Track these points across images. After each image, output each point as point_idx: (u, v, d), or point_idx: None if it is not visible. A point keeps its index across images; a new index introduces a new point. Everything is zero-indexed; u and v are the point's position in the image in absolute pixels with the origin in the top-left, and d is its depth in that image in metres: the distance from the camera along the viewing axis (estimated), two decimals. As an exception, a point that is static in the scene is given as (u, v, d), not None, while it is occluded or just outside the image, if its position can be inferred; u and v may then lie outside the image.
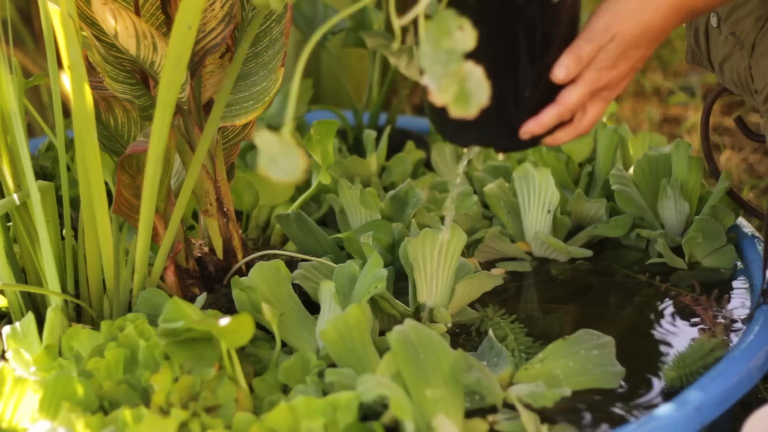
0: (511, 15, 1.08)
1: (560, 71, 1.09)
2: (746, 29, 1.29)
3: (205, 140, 1.25)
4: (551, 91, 1.12)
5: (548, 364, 1.19)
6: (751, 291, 1.36)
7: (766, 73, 1.23)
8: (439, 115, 1.11)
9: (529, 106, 1.12)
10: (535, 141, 1.15)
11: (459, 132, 1.09)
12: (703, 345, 1.20)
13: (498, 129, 1.02)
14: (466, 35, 0.92)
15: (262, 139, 0.93)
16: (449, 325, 1.30)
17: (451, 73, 0.91)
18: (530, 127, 1.12)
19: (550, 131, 1.13)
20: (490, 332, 1.25)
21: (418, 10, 0.96)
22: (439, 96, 0.91)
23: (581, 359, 1.18)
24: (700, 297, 1.34)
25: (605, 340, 1.20)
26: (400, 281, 1.35)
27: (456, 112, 0.92)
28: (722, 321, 1.29)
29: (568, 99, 1.11)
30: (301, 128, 1.86)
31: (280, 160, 0.93)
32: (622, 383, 1.18)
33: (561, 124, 1.13)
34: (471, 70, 0.92)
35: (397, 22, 0.98)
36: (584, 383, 1.17)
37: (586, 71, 1.11)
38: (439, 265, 1.30)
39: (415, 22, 1.00)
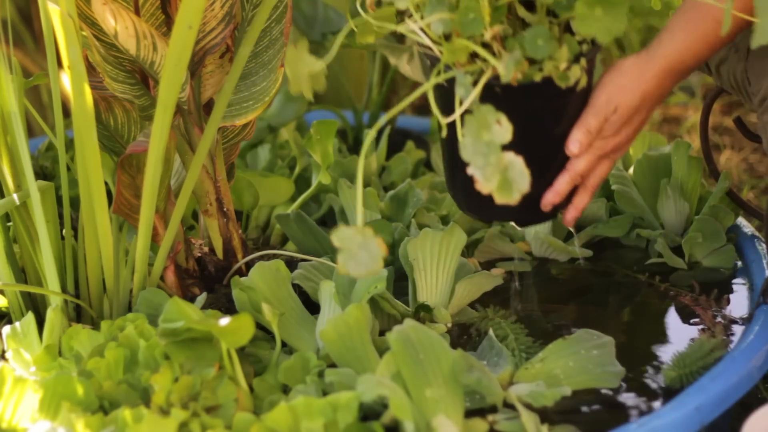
0: (532, 100, 1.14)
1: (574, 146, 1.17)
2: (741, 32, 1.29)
3: (205, 141, 1.25)
4: (563, 162, 1.19)
5: (548, 363, 1.19)
6: (751, 291, 1.36)
7: (761, 75, 1.24)
8: (461, 191, 1.17)
9: (546, 179, 1.19)
10: (554, 213, 1.22)
11: (482, 209, 1.13)
12: (703, 345, 1.20)
13: (520, 205, 1.06)
14: (504, 128, 1.00)
15: (340, 236, 1.00)
16: (449, 325, 1.30)
17: (494, 163, 0.99)
18: (549, 198, 1.20)
19: (568, 198, 1.21)
20: (491, 332, 1.25)
21: (463, 108, 1.03)
22: (484, 185, 0.98)
23: (581, 359, 1.18)
24: (699, 297, 1.34)
25: (605, 340, 1.20)
26: (400, 281, 1.35)
27: (500, 199, 0.99)
28: (722, 321, 1.29)
29: (577, 166, 1.19)
30: (301, 128, 1.86)
31: (359, 253, 0.99)
32: (622, 383, 1.18)
33: (575, 188, 1.21)
34: (512, 160, 1.00)
35: (443, 120, 1.06)
36: (584, 383, 1.17)
37: (596, 140, 1.18)
38: (439, 265, 1.30)
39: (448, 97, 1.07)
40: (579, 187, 1.22)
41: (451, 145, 1.12)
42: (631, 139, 1.21)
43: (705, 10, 1.16)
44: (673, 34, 1.18)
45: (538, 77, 1.11)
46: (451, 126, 1.06)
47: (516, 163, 1.00)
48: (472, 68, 1.10)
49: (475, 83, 1.08)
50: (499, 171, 0.99)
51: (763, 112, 1.22)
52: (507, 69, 1.07)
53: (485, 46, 1.11)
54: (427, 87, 1.08)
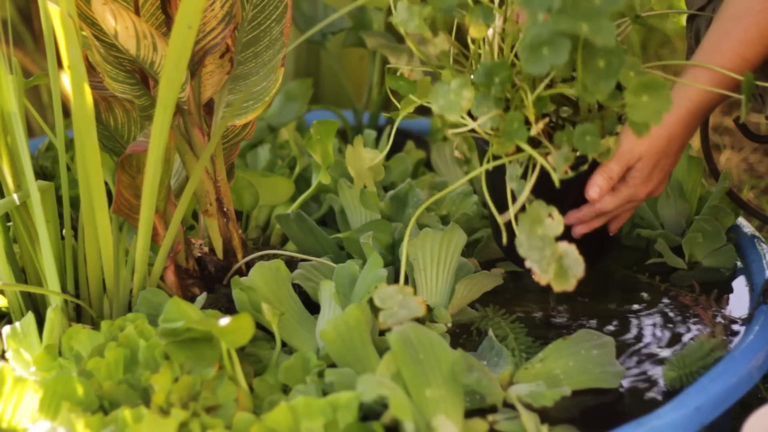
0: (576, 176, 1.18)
1: (593, 191, 1.18)
2: None
3: (210, 146, 1.26)
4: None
5: (548, 363, 1.19)
6: (751, 291, 1.36)
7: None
8: (515, 252, 1.20)
9: (590, 233, 1.24)
10: (598, 261, 1.27)
11: None
12: (703, 345, 1.20)
13: None
14: (556, 221, 1.06)
15: (381, 295, 1.09)
16: (449, 324, 1.30)
17: (549, 256, 1.05)
18: (569, 219, 1.22)
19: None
20: (490, 332, 1.25)
21: (518, 204, 1.09)
22: (542, 278, 1.05)
23: (581, 359, 1.18)
24: (699, 297, 1.34)
25: (605, 340, 1.20)
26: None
27: (557, 287, 1.05)
28: (722, 321, 1.29)
29: (603, 204, 1.20)
30: (301, 128, 1.86)
31: (399, 312, 1.09)
32: (622, 383, 1.18)
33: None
34: (566, 249, 1.06)
35: (500, 219, 1.12)
36: (584, 383, 1.17)
37: (623, 187, 1.19)
38: (439, 265, 1.30)
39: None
40: (612, 220, 1.25)
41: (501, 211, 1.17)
42: (664, 182, 1.21)
43: (730, 49, 1.15)
44: (697, 76, 1.16)
45: (585, 167, 1.15)
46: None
47: (570, 251, 1.06)
48: (521, 156, 1.14)
49: (524, 171, 1.14)
50: (555, 262, 1.05)
51: None
52: (558, 167, 1.11)
53: (532, 138, 1.16)
54: (479, 171, 1.16)
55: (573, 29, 1.01)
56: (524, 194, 1.10)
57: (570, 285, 1.06)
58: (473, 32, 1.13)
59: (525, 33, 1.03)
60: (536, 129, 1.12)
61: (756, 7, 1.14)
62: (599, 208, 1.20)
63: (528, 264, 1.06)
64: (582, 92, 1.09)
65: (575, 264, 1.06)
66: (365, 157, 1.26)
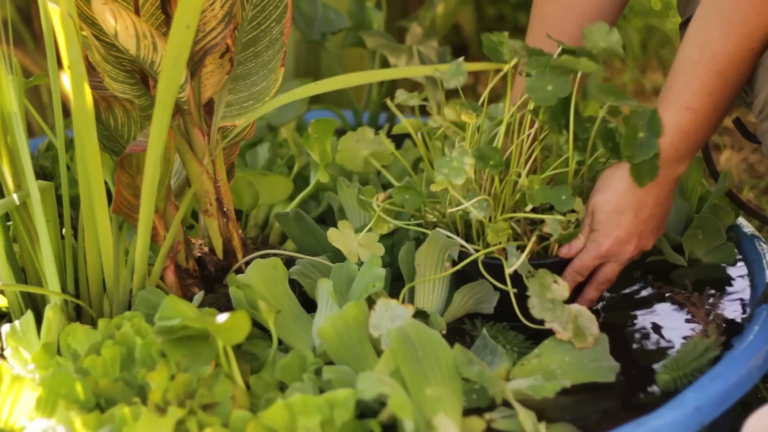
0: None
1: (564, 249, 1.26)
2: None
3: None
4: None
5: (544, 359, 1.19)
6: (751, 290, 1.35)
7: (755, 86, 1.23)
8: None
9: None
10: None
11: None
12: (697, 346, 1.19)
13: None
14: (561, 287, 1.19)
15: (373, 323, 1.14)
16: (443, 332, 1.28)
17: (561, 316, 1.18)
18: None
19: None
20: (484, 330, 1.24)
21: (519, 263, 1.20)
22: (563, 334, 1.18)
23: (577, 354, 1.18)
24: (692, 295, 1.34)
25: (599, 337, 1.20)
26: (397, 281, 1.35)
27: (579, 345, 1.18)
28: (716, 320, 1.28)
29: (576, 263, 1.26)
30: (301, 128, 1.86)
31: (390, 321, 1.14)
32: (621, 382, 1.18)
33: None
34: (579, 310, 1.20)
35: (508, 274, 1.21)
36: (580, 377, 1.17)
37: (587, 242, 1.25)
38: (439, 271, 1.30)
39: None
40: (587, 283, 1.27)
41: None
42: (630, 242, 1.23)
43: (674, 101, 1.17)
44: None
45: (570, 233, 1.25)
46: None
47: (582, 311, 1.19)
48: (516, 244, 1.23)
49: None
50: (571, 321, 1.18)
51: (762, 120, 1.22)
52: (554, 230, 1.22)
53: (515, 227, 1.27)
54: (478, 255, 1.24)
55: (570, 69, 1.20)
56: (520, 261, 1.20)
57: (589, 343, 1.18)
58: (464, 117, 1.24)
59: (532, 81, 1.19)
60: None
61: (693, 59, 1.16)
62: (573, 266, 1.25)
63: (548, 324, 1.17)
64: (575, 149, 1.21)
65: (590, 323, 1.18)
66: (353, 238, 1.31)
